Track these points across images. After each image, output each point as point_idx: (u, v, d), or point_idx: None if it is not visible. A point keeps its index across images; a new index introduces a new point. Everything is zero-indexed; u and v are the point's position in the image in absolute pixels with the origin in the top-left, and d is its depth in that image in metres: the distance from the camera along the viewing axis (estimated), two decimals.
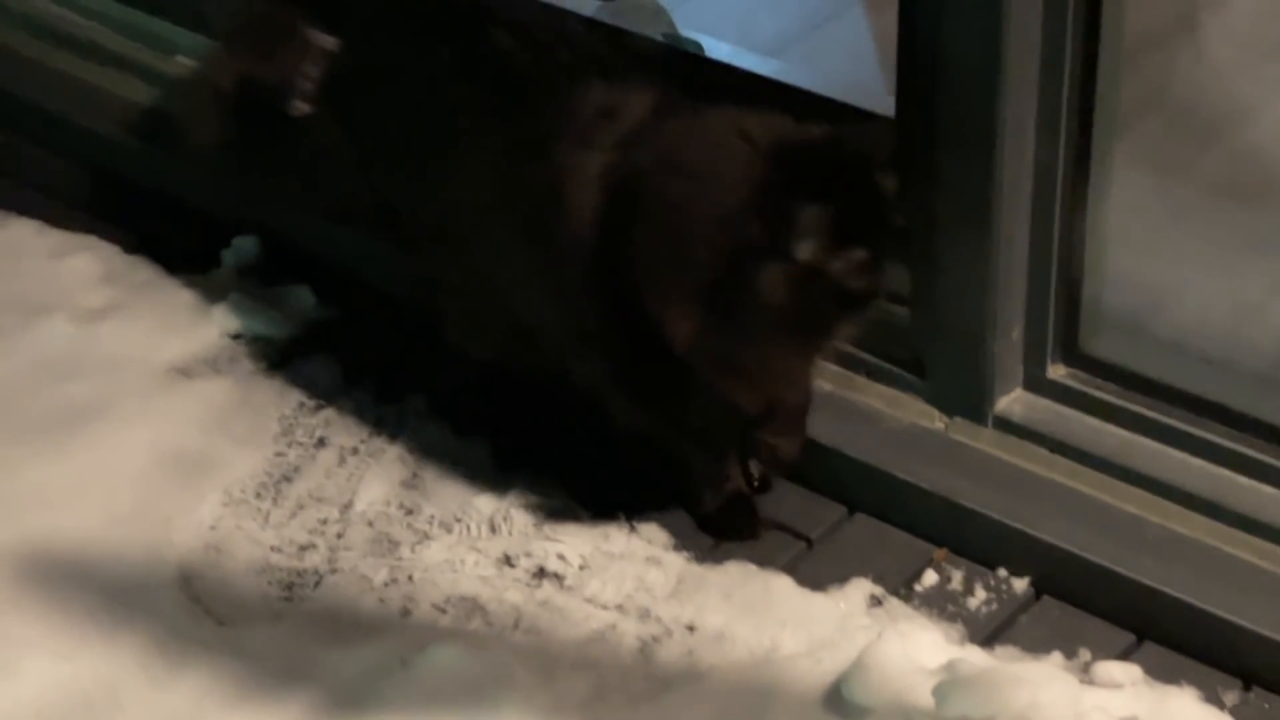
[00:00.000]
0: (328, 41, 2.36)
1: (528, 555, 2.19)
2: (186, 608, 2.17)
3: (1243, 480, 2.06)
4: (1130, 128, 2.13)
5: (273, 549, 2.23)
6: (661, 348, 2.01)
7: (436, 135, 2.16)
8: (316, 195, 2.43)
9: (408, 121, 2.19)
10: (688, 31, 2.66)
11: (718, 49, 2.45)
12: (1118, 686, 1.98)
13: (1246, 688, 1.99)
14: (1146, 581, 2.03)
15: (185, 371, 2.45)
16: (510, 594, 2.15)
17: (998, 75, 1.99)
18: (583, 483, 2.25)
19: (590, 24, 2.57)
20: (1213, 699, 1.98)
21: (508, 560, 2.19)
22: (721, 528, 2.20)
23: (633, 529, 2.21)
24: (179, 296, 2.54)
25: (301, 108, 2.32)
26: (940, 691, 1.96)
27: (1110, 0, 2.01)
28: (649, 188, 1.99)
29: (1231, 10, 2.29)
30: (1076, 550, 2.07)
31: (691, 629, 2.10)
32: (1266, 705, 1.98)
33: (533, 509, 2.23)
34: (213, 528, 2.26)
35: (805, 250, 1.91)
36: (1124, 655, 2.03)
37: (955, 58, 2.02)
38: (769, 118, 1.98)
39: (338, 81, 2.28)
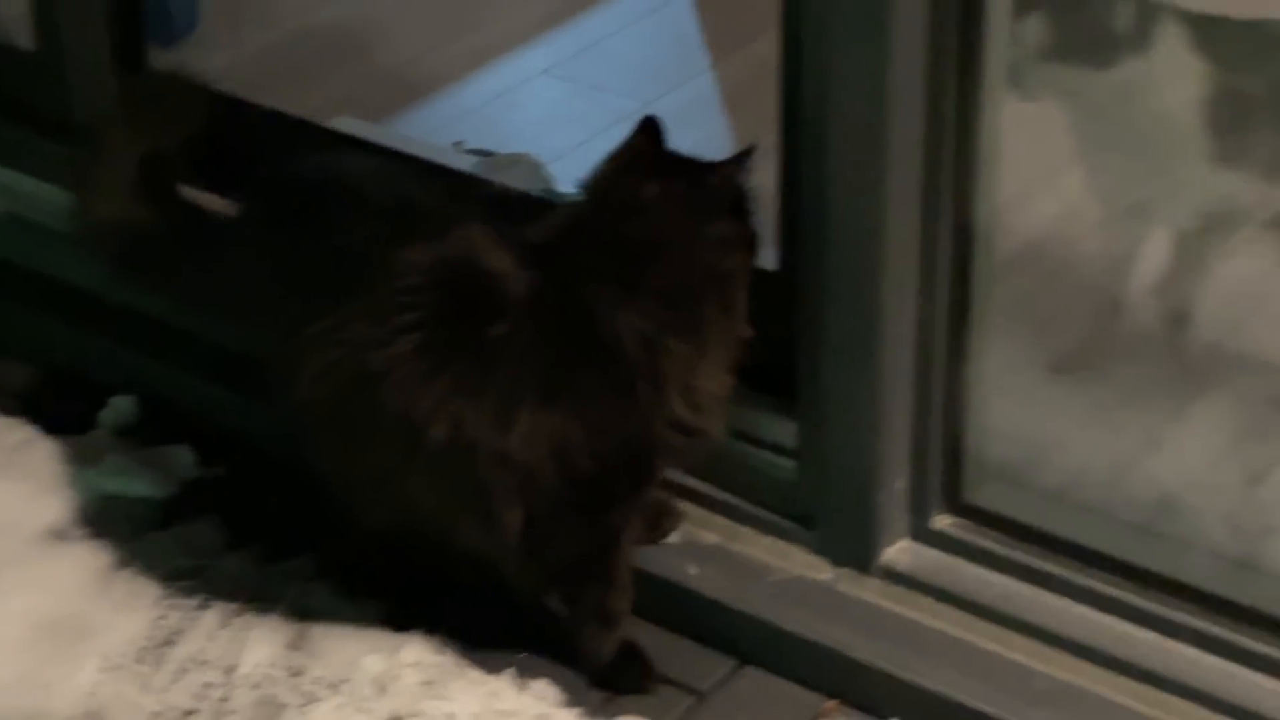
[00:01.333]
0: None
1: (416, 715, 2.17)
2: None
3: (1127, 627, 2.09)
4: (1006, 283, 2.18)
5: (154, 715, 2.19)
6: (589, 468, 2.07)
7: (321, 304, 2.15)
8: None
9: (295, 288, 2.19)
10: (566, 188, 2.69)
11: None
12: None
13: None
14: None
15: (62, 535, 2.41)
16: None
17: (879, 235, 2.04)
18: (472, 640, 2.24)
19: (470, 180, 2.61)
20: None
21: None
22: (615, 682, 2.19)
23: (523, 686, 2.19)
24: (54, 459, 2.51)
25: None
26: None
27: (984, 167, 2.07)
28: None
29: (1094, 169, 2.35)
30: (965, 700, 2.08)
31: None
32: None
33: (422, 668, 2.21)
34: (92, 694, 2.22)
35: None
36: None
37: (837, 220, 2.06)
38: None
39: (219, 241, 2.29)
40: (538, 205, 2.41)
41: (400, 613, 2.27)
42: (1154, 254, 2.37)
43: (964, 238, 2.10)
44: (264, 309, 2.20)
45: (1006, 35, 2.06)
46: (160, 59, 2.78)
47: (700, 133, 3.07)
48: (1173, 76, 2.28)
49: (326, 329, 2.09)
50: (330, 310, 2.10)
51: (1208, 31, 2.28)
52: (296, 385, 2.12)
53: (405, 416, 2.07)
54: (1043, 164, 2.35)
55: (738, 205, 2.12)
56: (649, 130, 2.15)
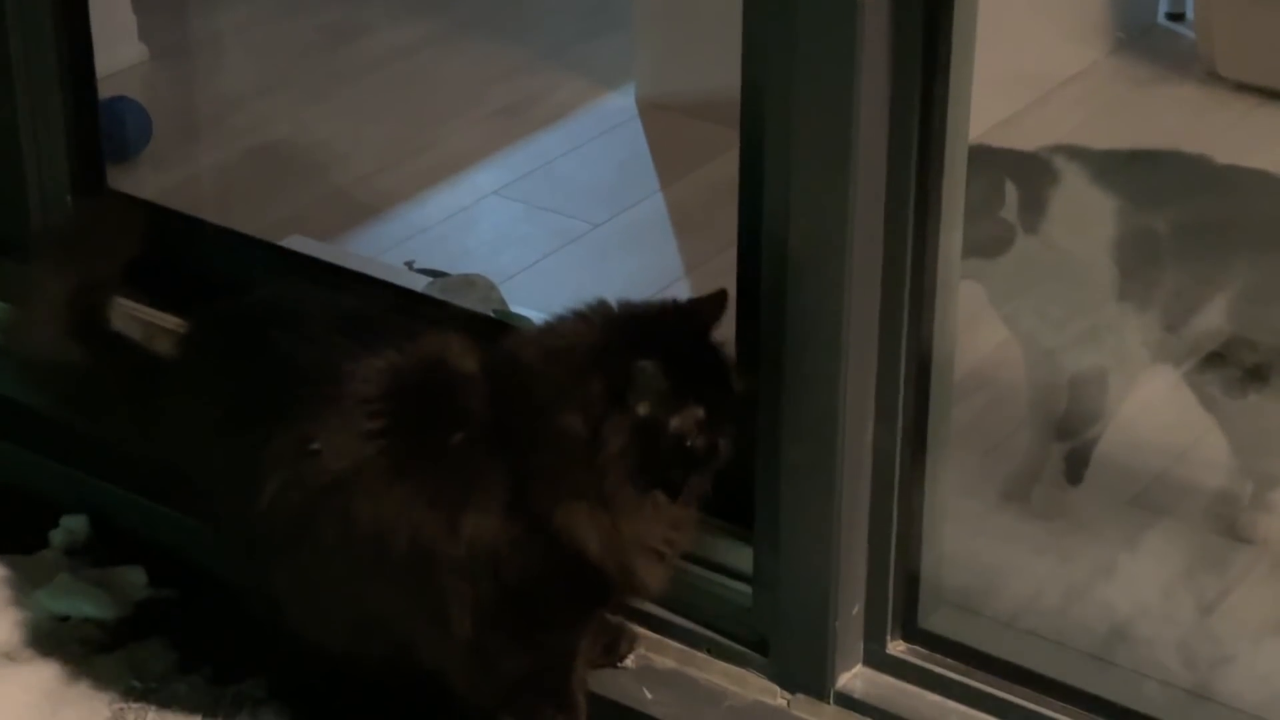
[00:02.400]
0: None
1: None
2: None
3: None
4: (959, 409, 2.21)
5: None
6: (541, 587, 2.06)
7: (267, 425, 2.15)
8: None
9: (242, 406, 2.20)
10: (518, 308, 2.71)
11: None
12: None
13: None
14: None
15: (10, 656, 2.39)
16: None
17: (837, 363, 2.06)
18: None
19: (421, 300, 2.62)
20: None
21: None
22: None
23: None
24: (4, 579, 2.48)
25: None
26: None
27: (941, 293, 2.10)
28: (516, 407, 2.05)
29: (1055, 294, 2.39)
30: None
31: None
32: None
33: None
34: None
35: (643, 405, 1.99)
36: None
37: (796, 345, 2.08)
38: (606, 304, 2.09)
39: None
40: (487, 325, 2.43)
41: None
42: (1089, 389, 2.40)
43: (922, 364, 2.12)
44: (209, 438, 2.20)
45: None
46: (112, 177, 2.80)
47: (649, 254, 3.11)
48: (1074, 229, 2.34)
49: (286, 443, 2.10)
50: (287, 427, 2.10)
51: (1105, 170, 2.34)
52: (256, 503, 2.12)
53: (366, 525, 2.07)
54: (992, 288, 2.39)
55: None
56: (693, 309, 2.10)
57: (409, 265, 2.98)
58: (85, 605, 2.45)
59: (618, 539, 2.06)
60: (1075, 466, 2.40)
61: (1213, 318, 2.31)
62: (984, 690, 2.14)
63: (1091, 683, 2.12)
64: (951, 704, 2.16)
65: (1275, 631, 2.18)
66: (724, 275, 2.18)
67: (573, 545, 2.05)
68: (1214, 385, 2.32)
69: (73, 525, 2.56)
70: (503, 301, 2.81)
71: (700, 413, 2.02)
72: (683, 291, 2.97)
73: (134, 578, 2.49)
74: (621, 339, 2.04)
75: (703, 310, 2.08)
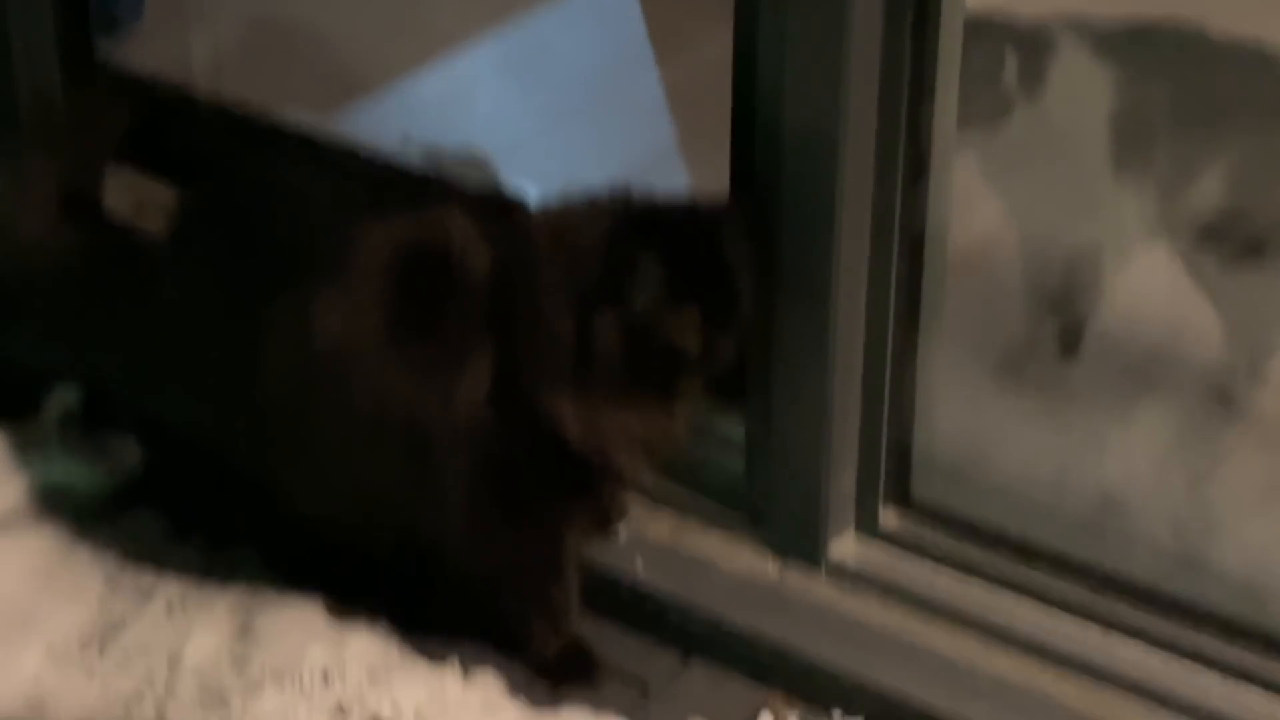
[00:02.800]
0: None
1: (362, 705, 2.16)
2: None
3: (1070, 623, 2.11)
4: (954, 283, 2.20)
5: (98, 702, 2.18)
6: (531, 466, 2.06)
7: (268, 293, 2.15)
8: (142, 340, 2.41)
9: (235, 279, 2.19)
10: (513, 181, 2.69)
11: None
12: None
13: None
14: None
15: (3, 524, 2.40)
16: None
17: (831, 226, 2.05)
18: (417, 632, 2.24)
19: (417, 175, 2.61)
20: None
21: (341, 710, 2.16)
22: (561, 674, 2.20)
23: (468, 677, 2.20)
24: None
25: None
26: None
27: (936, 160, 2.09)
28: (514, 286, 2.03)
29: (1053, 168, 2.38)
30: (909, 695, 2.10)
31: None
32: None
33: (367, 659, 2.20)
34: (36, 681, 2.20)
35: (640, 300, 1.98)
36: None
37: (789, 208, 2.07)
38: (626, 192, 2.06)
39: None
40: (483, 200, 2.42)
41: (343, 602, 2.27)
42: (1084, 263, 2.40)
43: (916, 238, 2.11)
44: (206, 313, 2.19)
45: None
46: (103, 50, 2.78)
47: (645, 131, 3.09)
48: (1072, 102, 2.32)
49: (287, 314, 2.09)
50: (287, 298, 2.10)
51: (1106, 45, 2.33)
52: (255, 375, 2.12)
53: (363, 398, 2.07)
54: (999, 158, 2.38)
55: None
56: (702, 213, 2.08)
57: (405, 140, 2.96)
58: (79, 474, 2.46)
59: (601, 431, 2.06)
60: (1070, 340, 2.40)
61: (1210, 191, 2.30)
62: (975, 559, 2.16)
63: (1082, 551, 2.13)
64: (943, 573, 2.17)
65: (1266, 502, 2.18)
66: (719, 151, 2.18)
67: (556, 431, 2.05)
68: (1210, 259, 2.31)
69: (66, 394, 2.56)
70: (498, 176, 2.79)
71: (697, 313, 2.01)
72: (676, 169, 2.98)
73: (127, 447, 2.50)
74: (631, 231, 2.02)
75: (719, 212, 2.06)
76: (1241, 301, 2.31)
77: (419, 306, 2.08)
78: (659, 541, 2.27)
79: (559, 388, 2.03)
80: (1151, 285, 2.37)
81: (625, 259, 1.99)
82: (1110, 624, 2.09)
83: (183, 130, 2.63)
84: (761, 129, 2.07)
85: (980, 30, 2.14)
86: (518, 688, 2.19)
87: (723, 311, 2.03)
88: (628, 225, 2.03)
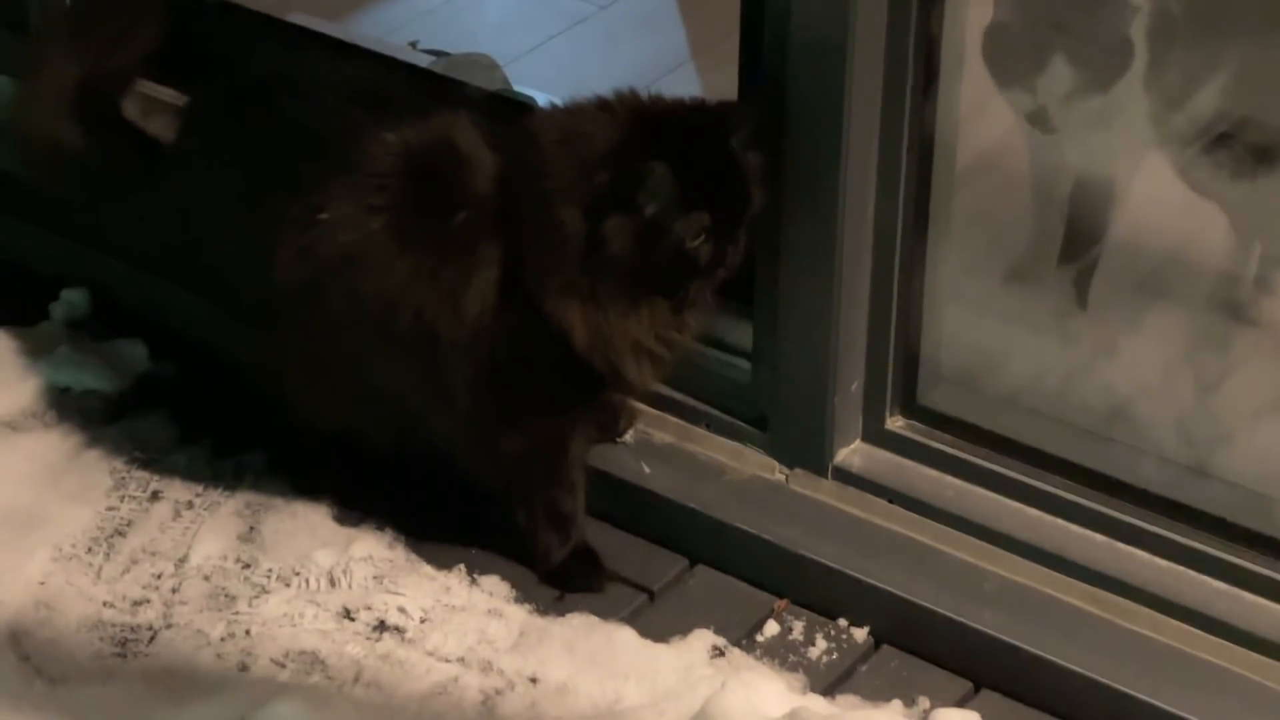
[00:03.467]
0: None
1: (368, 609, 2.17)
2: (16, 667, 2.12)
3: (1075, 529, 2.11)
4: (963, 191, 2.19)
5: (105, 605, 2.19)
6: (536, 371, 2.06)
7: (278, 201, 2.13)
8: (149, 244, 2.40)
9: (249, 186, 2.17)
10: (521, 87, 2.68)
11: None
12: None
13: None
14: (984, 630, 2.07)
15: (13, 426, 2.41)
16: (350, 648, 2.13)
17: (839, 134, 2.04)
18: (423, 536, 2.24)
19: (427, 77, 2.59)
20: None
21: (347, 614, 2.17)
22: (566, 580, 2.20)
23: (474, 581, 2.20)
24: (5, 350, 2.49)
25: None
26: None
27: (946, 67, 2.07)
28: (522, 190, 2.02)
29: (1055, 76, 2.36)
30: (915, 600, 2.10)
31: (534, 681, 2.09)
32: None
33: (373, 562, 2.21)
34: (42, 584, 2.22)
35: (649, 206, 1.97)
36: (962, 702, 2.06)
37: (797, 115, 2.06)
38: (636, 95, 2.05)
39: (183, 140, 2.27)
40: (493, 103, 2.41)
41: (350, 506, 2.27)
42: (1097, 171, 2.38)
43: (925, 144, 2.10)
44: (217, 212, 2.18)
45: None
46: None
47: (654, 36, 3.07)
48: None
49: (298, 214, 2.08)
50: (298, 198, 2.08)
51: None
52: (267, 275, 2.11)
53: (372, 300, 2.07)
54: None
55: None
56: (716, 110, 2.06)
57: (413, 45, 2.94)
58: (86, 377, 2.46)
59: (607, 336, 2.04)
60: (1078, 250, 2.38)
61: (1221, 99, 2.28)
62: (981, 465, 2.15)
63: (1089, 458, 2.13)
64: (949, 479, 2.16)
65: (1274, 410, 2.17)
66: (730, 58, 2.16)
67: (562, 337, 2.04)
68: (1221, 167, 2.29)
69: (73, 298, 2.56)
70: (506, 82, 2.78)
71: (707, 220, 2.00)
72: (687, 76, 2.96)
73: (134, 351, 2.50)
74: (640, 135, 2.00)
75: (730, 115, 2.03)
76: (1253, 209, 2.29)
77: (428, 209, 2.07)
78: (665, 446, 2.27)
79: (567, 293, 2.02)
80: (1163, 194, 2.35)
81: (635, 164, 1.97)
82: (1116, 531, 2.09)
83: (192, 32, 2.61)
84: (770, 36, 2.06)
85: None
86: (524, 593, 2.20)
87: (732, 217, 2.02)
88: (638, 129, 2.01)
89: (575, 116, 2.06)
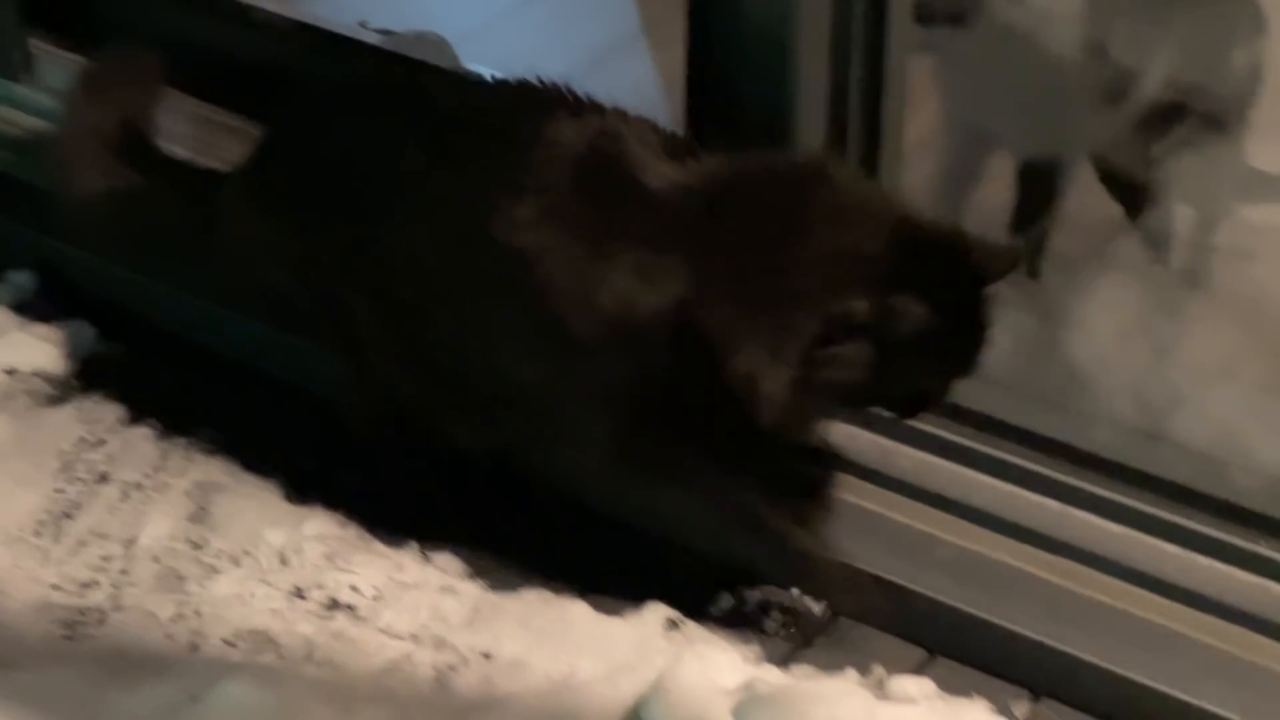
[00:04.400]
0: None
1: (319, 587, 2.15)
2: None
3: (1029, 495, 2.10)
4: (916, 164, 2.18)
5: (53, 587, 2.17)
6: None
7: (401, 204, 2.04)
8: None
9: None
10: (472, 66, 2.67)
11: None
12: (912, 701, 2.00)
13: (1035, 698, 2.02)
14: (936, 597, 2.06)
15: None
16: (302, 626, 2.11)
17: (790, 114, 2.03)
18: (375, 513, 2.22)
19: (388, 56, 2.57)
20: (1004, 710, 2.01)
21: (299, 593, 2.15)
22: None
23: (427, 558, 2.19)
24: None
25: None
26: (739, 711, 1.96)
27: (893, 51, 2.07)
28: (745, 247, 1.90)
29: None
30: (870, 568, 2.09)
31: (488, 657, 2.08)
32: (1055, 715, 2.01)
33: (324, 540, 2.20)
34: None
35: (892, 343, 1.86)
36: (917, 670, 2.05)
37: (746, 98, 2.05)
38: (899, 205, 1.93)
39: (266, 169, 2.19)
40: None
41: (301, 485, 2.26)
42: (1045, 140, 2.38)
43: (872, 123, 2.09)
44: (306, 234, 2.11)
45: None
46: None
47: (605, 14, 3.06)
48: None
49: (432, 206, 2.00)
50: (466, 192, 1.99)
51: None
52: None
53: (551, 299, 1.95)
54: None
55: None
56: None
57: (362, 25, 2.92)
58: (33, 358, 2.44)
59: (795, 416, 1.95)
60: (1030, 218, 2.38)
61: (1167, 68, 2.28)
62: (938, 435, 2.14)
63: (1045, 426, 2.12)
64: (905, 449, 2.15)
65: (1226, 374, 2.17)
66: (681, 35, 2.15)
67: (742, 394, 1.91)
68: (1168, 136, 2.29)
69: (19, 280, 2.54)
70: (456, 59, 2.76)
71: (940, 373, 1.93)
72: (638, 52, 2.94)
73: (82, 332, 2.48)
74: (905, 262, 1.86)
75: (993, 262, 1.91)
76: (1200, 175, 2.30)
77: (598, 207, 1.95)
78: None
79: (764, 365, 1.89)
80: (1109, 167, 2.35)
81: (896, 299, 1.85)
82: (1070, 497, 2.08)
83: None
84: (718, 21, 2.04)
85: None
86: (477, 569, 2.18)
87: (957, 373, 1.94)
88: (903, 252, 1.87)
89: (838, 216, 1.90)
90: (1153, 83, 2.29)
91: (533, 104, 2.02)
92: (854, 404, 1.97)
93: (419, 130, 2.05)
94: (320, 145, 2.13)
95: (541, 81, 2.05)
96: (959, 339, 1.92)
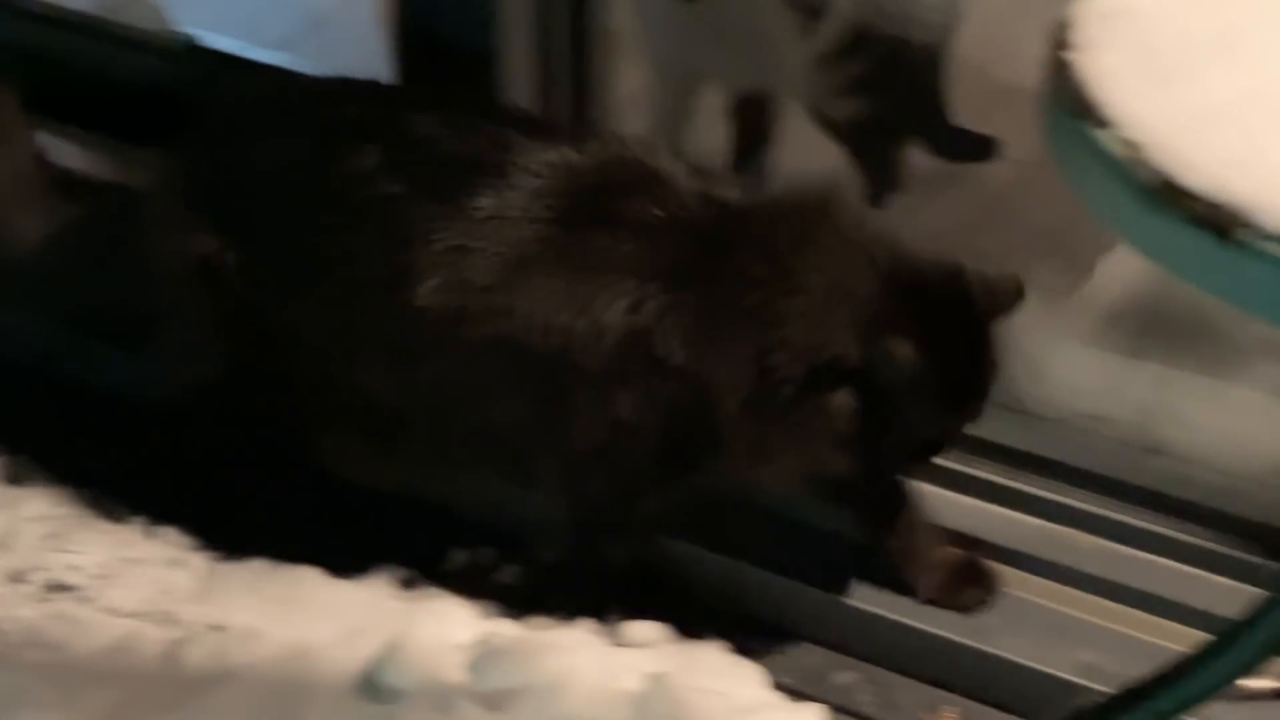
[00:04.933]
0: None
1: (39, 570, 2.10)
2: None
3: (981, 504, 2.04)
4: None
5: None
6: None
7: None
8: None
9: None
10: (186, 29, 2.61)
11: (221, 45, 2.41)
12: (648, 645, 2.00)
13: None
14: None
15: None
16: (22, 611, 2.06)
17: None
18: (98, 490, 2.17)
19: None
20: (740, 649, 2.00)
21: (19, 577, 2.10)
22: None
23: (152, 533, 2.14)
24: None
25: None
26: (476, 665, 1.95)
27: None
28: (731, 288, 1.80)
29: None
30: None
31: (219, 629, 2.04)
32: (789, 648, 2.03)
33: (44, 521, 2.14)
34: None
35: (890, 390, 1.76)
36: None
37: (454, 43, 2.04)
38: (884, 235, 1.82)
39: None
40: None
41: (21, 465, 2.20)
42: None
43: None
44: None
45: None
46: None
47: None
48: None
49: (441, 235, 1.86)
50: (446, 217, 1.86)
51: None
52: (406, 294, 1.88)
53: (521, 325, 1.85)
54: None
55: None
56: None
57: None
58: None
59: (772, 467, 1.87)
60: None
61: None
62: None
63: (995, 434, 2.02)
64: None
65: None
66: None
67: (719, 446, 1.84)
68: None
69: None
70: (166, 23, 2.69)
71: (944, 423, 1.83)
72: (360, 23, 2.89)
73: None
74: (899, 303, 1.77)
75: (996, 298, 1.81)
76: None
77: (584, 231, 1.85)
78: None
79: (747, 415, 1.80)
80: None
81: (888, 341, 1.75)
82: (1021, 503, 2.02)
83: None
84: None
85: None
86: (204, 540, 2.13)
87: (964, 410, 1.83)
88: (898, 293, 1.77)
89: (824, 258, 1.79)
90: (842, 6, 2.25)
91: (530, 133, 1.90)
92: (855, 454, 1.81)
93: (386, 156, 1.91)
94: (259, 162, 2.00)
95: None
96: (960, 381, 1.81)
